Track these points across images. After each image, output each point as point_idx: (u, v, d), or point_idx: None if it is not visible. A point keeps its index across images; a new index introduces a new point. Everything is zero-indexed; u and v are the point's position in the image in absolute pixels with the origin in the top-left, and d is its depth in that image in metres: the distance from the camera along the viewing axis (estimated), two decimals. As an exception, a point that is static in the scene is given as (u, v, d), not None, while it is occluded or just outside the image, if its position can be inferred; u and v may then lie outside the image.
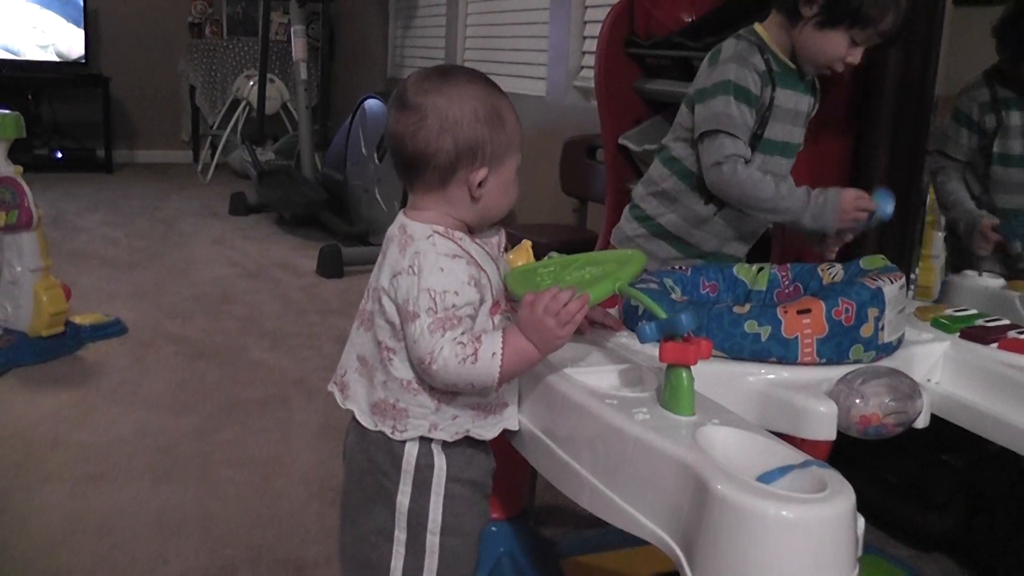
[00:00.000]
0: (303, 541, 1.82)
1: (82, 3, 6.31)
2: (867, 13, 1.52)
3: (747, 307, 1.27)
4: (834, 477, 0.90)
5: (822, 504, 0.86)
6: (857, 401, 1.18)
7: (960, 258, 1.94)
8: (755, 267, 1.50)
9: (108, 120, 6.37)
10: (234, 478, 2.07)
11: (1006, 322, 1.43)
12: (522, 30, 4.31)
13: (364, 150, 4.60)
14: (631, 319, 1.31)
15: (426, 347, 1.03)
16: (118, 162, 6.56)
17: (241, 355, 2.91)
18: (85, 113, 6.40)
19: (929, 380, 1.36)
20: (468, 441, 1.12)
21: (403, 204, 1.15)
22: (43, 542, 1.79)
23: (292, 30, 5.29)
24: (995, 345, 1.35)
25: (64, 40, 6.34)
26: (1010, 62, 1.96)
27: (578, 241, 3.00)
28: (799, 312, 1.24)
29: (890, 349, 1.30)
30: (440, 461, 1.11)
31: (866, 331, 1.25)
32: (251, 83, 5.91)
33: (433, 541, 1.12)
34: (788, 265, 1.50)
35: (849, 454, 1.26)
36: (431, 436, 1.10)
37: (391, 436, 1.10)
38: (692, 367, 1.02)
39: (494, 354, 1.03)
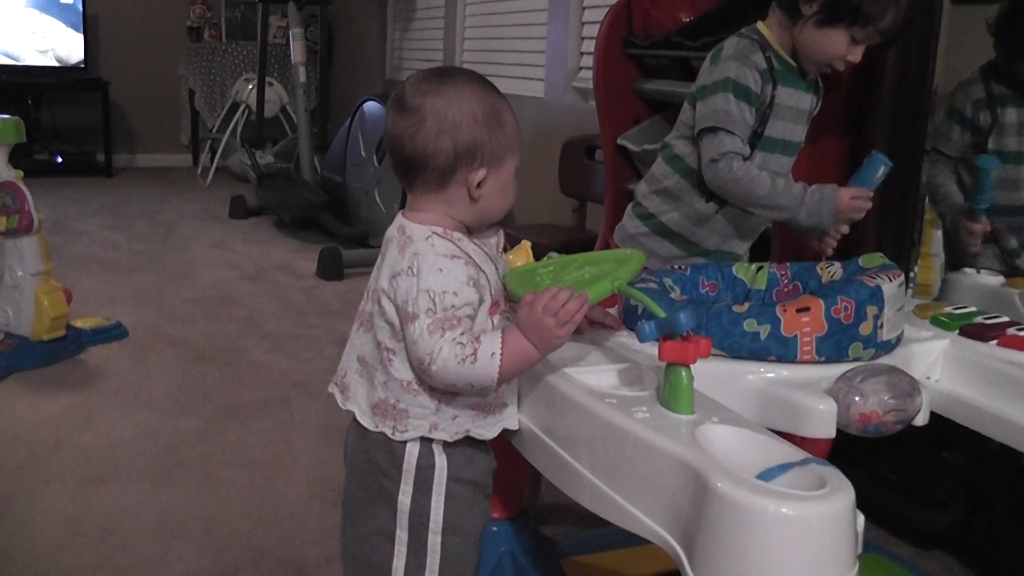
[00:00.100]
0: (305, 542, 1.82)
1: (81, 8, 6.32)
2: (867, 11, 1.53)
3: (746, 306, 1.27)
4: (833, 474, 0.90)
5: (821, 501, 0.86)
6: (856, 399, 1.18)
7: (953, 254, 1.94)
8: (754, 266, 1.51)
9: (108, 124, 6.38)
10: (235, 480, 2.08)
11: (1005, 319, 1.43)
12: (520, 31, 4.31)
13: (363, 152, 4.60)
14: (631, 318, 1.31)
15: (425, 348, 1.03)
16: (118, 166, 6.56)
17: (242, 357, 2.91)
18: (85, 117, 6.41)
19: (928, 378, 1.36)
20: (468, 441, 1.12)
21: (402, 206, 1.15)
22: (45, 544, 1.79)
23: (290, 33, 5.30)
24: (994, 342, 1.36)
25: (63, 45, 6.34)
26: (1006, 59, 1.96)
27: (577, 241, 3.00)
28: (798, 310, 1.24)
29: (889, 347, 1.30)
30: (441, 461, 1.11)
31: (865, 329, 1.26)
32: (250, 86, 5.91)
33: (434, 540, 1.12)
34: (787, 264, 1.50)
35: (849, 452, 1.26)
36: (431, 436, 1.10)
37: (392, 436, 1.10)
38: (691, 366, 1.02)
39: (493, 354, 1.03)
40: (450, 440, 1.11)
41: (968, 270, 1.93)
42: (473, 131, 1.07)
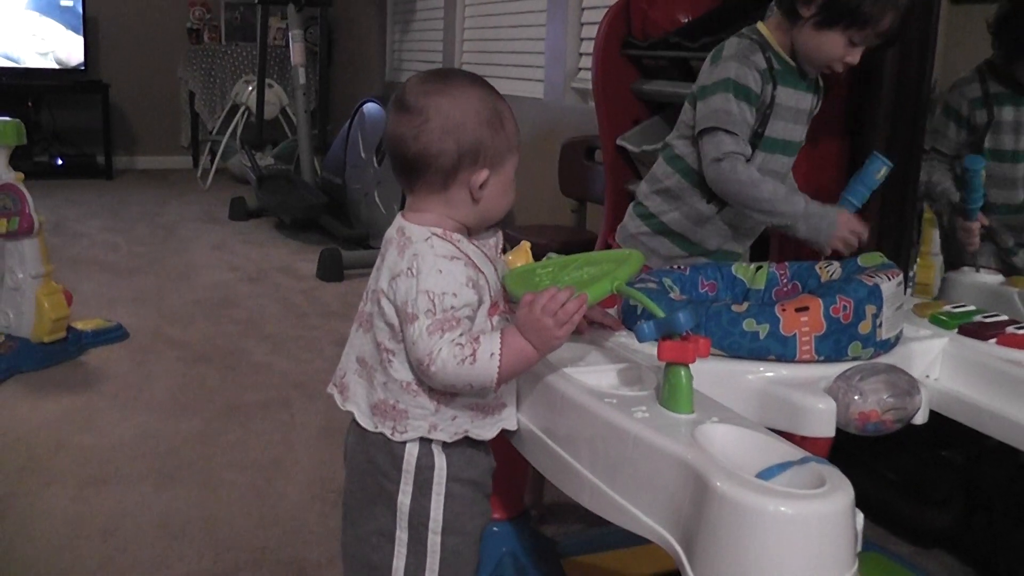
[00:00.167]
0: (306, 542, 1.83)
1: (81, 10, 6.32)
2: (865, 13, 1.52)
3: (745, 305, 1.27)
4: (832, 473, 0.90)
5: (820, 500, 0.86)
6: (856, 398, 1.18)
7: (951, 253, 1.94)
8: (753, 266, 1.51)
9: (108, 126, 6.39)
10: (236, 481, 2.08)
11: (1004, 318, 1.43)
12: (519, 32, 4.32)
13: (363, 154, 4.60)
14: (630, 318, 1.31)
15: (425, 348, 1.03)
16: (118, 168, 6.57)
17: (242, 359, 2.91)
18: (85, 119, 6.42)
19: (928, 376, 1.36)
20: (467, 441, 1.12)
21: (402, 207, 1.15)
22: (46, 546, 1.79)
23: (290, 35, 5.30)
24: (993, 341, 1.36)
25: (64, 47, 6.35)
26: (1005, 58, 1.96)
27: (577, 242, 3.00)
28: (797, 310, 1.25)
29: (888, 346, 1.31)
30: (440, 461, 1.11)
31: (864, 328, 1.26)
32: (250, 88, 5.91)
33: (435, 540, 1.12)
34: (786, 263, 1.50)
35: (848, 451, 1.27)
36: (431, 437, 1.10)
37: (391, 437, 1.10)
38: (691, 365, 1.03)
39: (492, 354, 1.03)
40: (449, 440, 1.11)
41: (967, 269, 1.93)
42: (476, 132, 1.07)
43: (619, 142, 2.60)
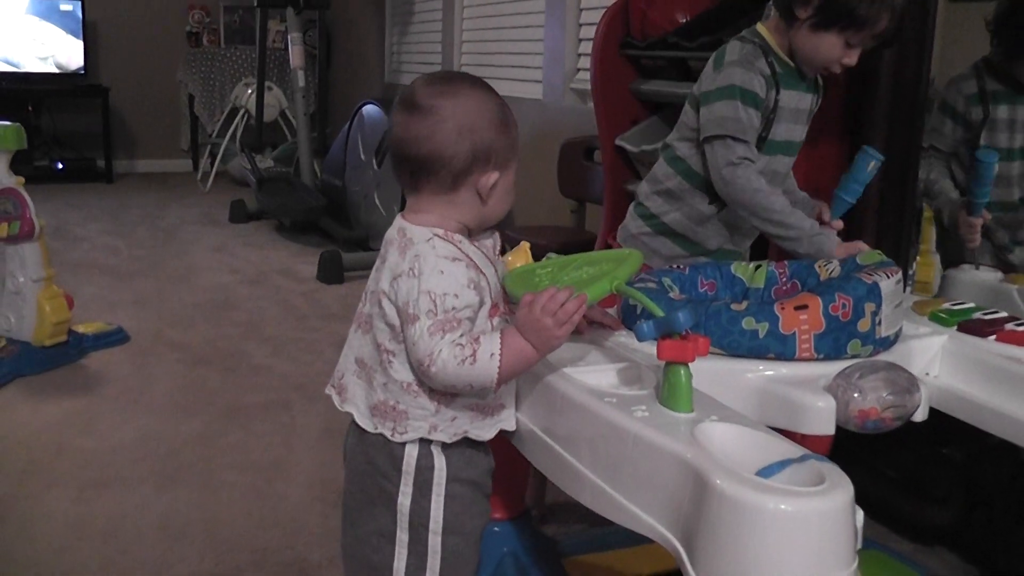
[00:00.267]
0: (307, 543, 1.83)
1: (81, 14, 6.33)
2: (861, 15, 1.52)
3: (745, 304, 1.28)
4: (832, 470, 0.90)
5: (820, 497, 0.86)
6: (855, 396, 1.18)
7: (948, 250, 1.94)
8: (753, 265, 1.51)
9: (108, 130, 6.39)
10: (237, 482, 2.08)
11: (1004, 315, 1.43)
12: (518, 34, 4.32)
13: (363, 156, 4.60)
14: (629, 318, 1.31)
15: (425, 349, 1.04)
16: (118, 172, 6.57)
17: (243, 361, 2.92)
18: (85, 123, 6.42)
19: (927, 374, 1.36)
20: (467, 442, 1.13)
21: (402, 208, 1.15)
22: (48, 548, 1.80)
23: (289, 38, 5.31)
24: (993, 338, 1.36)
25: (63, 51, 6.35)
26: (1004, 56, 1.97)
27: (576, 242, 3.00)
28: (796, 308, 1.25)
29: (887, 344, 1.31)
30: (440, 462, 1.12)
31: (863, 326, 1.26)
32: (249, 91, 5.92)
33: (435, 541, 1.12)
34: (785, 262, 1.50)
35: (848, 449, 1.27)
36: (430, 437, 1.10)
37: (391, 438, 1.10)
38: (690, 364, 1.03)
39: (492, 355, 1.03)
40: (449, 441, 1.11)
41: (966, 266, 1.93)
42: (489, 133, 1.08)
43: (618, 142, 2.60)
